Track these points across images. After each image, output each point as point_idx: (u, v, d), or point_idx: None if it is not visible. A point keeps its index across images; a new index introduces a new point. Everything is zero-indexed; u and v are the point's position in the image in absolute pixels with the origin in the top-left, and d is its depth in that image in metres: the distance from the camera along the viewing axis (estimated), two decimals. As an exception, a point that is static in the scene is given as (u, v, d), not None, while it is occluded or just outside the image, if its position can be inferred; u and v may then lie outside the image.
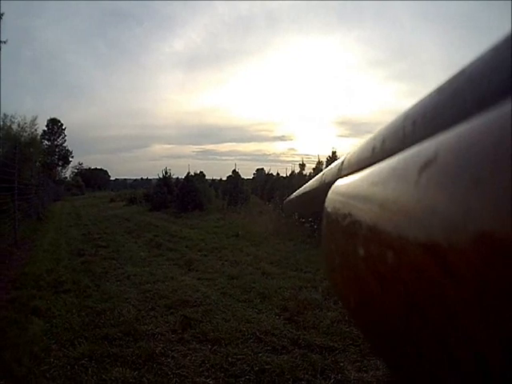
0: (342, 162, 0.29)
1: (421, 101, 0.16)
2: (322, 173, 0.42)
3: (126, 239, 6.85)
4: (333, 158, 9.68)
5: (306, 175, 10.99)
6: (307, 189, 0.53)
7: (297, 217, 6.72)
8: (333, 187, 0.26)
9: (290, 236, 6.24)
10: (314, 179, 0.49)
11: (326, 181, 0.35)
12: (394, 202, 0.13)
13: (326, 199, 0.26)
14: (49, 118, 36.98)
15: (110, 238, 6.99)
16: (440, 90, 0.14)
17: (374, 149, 0.21)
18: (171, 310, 3.03)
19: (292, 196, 0.87)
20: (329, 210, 0.25)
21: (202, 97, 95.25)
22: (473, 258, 0.08)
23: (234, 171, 13.00)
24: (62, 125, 37.68)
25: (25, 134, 15.87)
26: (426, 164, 0.11)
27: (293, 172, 11.87)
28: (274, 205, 9.20)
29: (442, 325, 0.10)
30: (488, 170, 0.08)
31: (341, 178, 0.27)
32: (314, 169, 10.03)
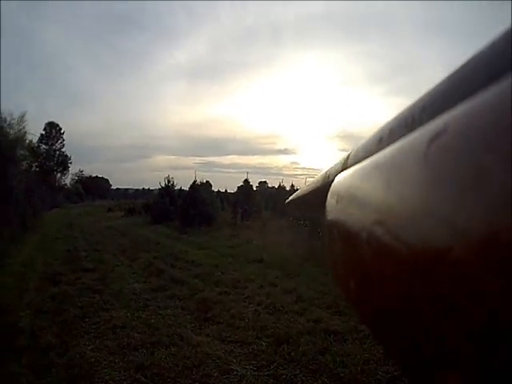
0: (348, 156, 0.29)
1: (431, 89, 0.16)
2: (326, 170, 0.41)
3: (119, 261, 5.42)
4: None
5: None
6: (311, 186, 0.53)
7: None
8: (335, 180, 0.25)
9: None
10: (317, 176, 0.48)
11: (331, 178, 0.34)
12: (394, 194, 0.13)
13: (329, 193, 0.25)
14: (47, 121, 35.57)
15: (98, 257, 5.62)
16: (450, 78, 0.14)
17: (380, 140, 0.20)
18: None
19: (294, 195, 0.84)
20: (331, 203, 0.24)
21: (205, 108, 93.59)
22: (476, 251, 0.08)
23: (245, 181, 11.60)
24: (60, 129, 35.39)
25: (12, 131, 13.79)
26: (433, 139, 0.11)
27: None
28: (295, 220, 7.88)
29: (439, 316, 0.10)
30: (490, 160, 0.08)
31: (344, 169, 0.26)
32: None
